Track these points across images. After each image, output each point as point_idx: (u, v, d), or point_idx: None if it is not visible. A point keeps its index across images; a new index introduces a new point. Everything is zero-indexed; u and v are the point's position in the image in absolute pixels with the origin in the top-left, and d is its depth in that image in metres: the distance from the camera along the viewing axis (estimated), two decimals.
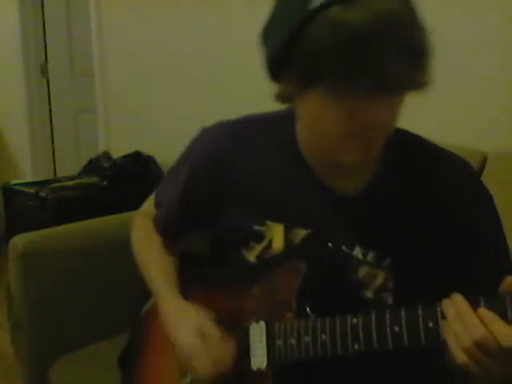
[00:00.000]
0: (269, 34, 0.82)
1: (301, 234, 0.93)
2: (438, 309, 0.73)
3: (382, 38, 0.69)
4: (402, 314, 0.76)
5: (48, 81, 3.76)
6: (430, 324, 0.73)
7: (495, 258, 0.92)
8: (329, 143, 0.81)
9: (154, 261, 1.09)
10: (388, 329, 0.76)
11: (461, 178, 0.91)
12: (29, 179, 3.37)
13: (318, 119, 0.79)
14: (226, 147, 0.98)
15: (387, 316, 0.77)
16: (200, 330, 0.93)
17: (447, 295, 0.89)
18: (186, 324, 0.95)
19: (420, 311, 0.74)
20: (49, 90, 3.78)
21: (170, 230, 1.11)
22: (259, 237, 0.95)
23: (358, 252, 0.91)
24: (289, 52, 0.75)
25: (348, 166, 0.83)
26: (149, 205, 1.17)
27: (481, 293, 0.87)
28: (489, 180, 1.37)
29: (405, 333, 0.75)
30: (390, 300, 0.91)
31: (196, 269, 1.10)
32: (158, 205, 1.13)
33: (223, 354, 0.91)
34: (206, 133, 1.03)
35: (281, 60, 0.77)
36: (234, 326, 0.94)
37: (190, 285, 1.07)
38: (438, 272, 0.90)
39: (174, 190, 1.06)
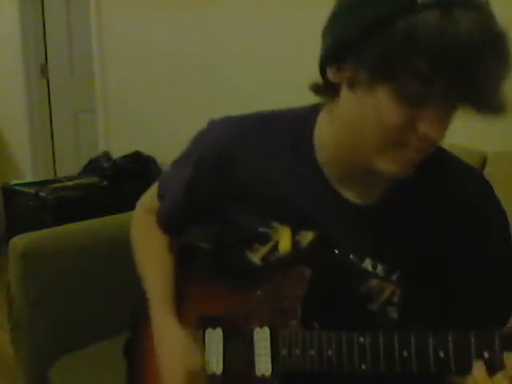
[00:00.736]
0: (351, 11, 0.74)
1: (309, 236, 0.90)
2: (450, 339, 0.71)
3: (485, 54, 0.67)
4: (412, 339, 0.74)
5: (48, 81, 3.76)
6: (441, 354, 0.71)
7: (504, 273, 0.90)
8: (373, 147, 0.77)
9: (152, 267, 1.07)
10: (396, 353, 0.74)
11: (474, 191, 0.89)
12: (29, 179, 3.38)
13: (372, 118, 0.74)
14: (233, 143, 0.94)
15: (395, 339, 0.75)
16: (189, 373, 0.93)
17: (452, 314, 0.89)
18: (176, 361, 0.95)
19: (430, 339, 0.72)
20: (49, 90, 3.78)
21: (172, 226, 1.09)
22: (264, 239, 0.93)
23: (367, 264, 0.88)
24: (371, 39, 0.69)
25: (384, 175, 0.80)
26: (150, 196, 1.13)
27: (487, 310, 0.87)
28: (489, 180, 1.38)
29: (413, 359, 0.73)
30: (395, 315, 0.90)
31: (199, 263, 1.09)
32: (161, 196, 1.10)
33: None
34: (213, 127, 0.99)
35: (356, 44, 0.71)
36: (237, 327, 0.94)
37: (193, 280, 1.06)
38: (446, 288, 0.89)
39: (177, 183, 1.03)
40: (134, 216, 1.16)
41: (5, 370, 2.19)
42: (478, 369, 0.69)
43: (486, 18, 0.69)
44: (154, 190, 1.13)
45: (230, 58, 2.50)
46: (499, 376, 0.68)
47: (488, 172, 1.45)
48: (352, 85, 0.75)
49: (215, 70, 2.58)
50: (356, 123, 0.78)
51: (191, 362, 0.94)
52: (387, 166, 0.77)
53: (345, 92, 0.78)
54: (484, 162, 1.51)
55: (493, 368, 0.69)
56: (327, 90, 0.80)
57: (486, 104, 0.71)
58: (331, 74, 0.78)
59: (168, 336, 0.99)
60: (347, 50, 0.73)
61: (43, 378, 1.47)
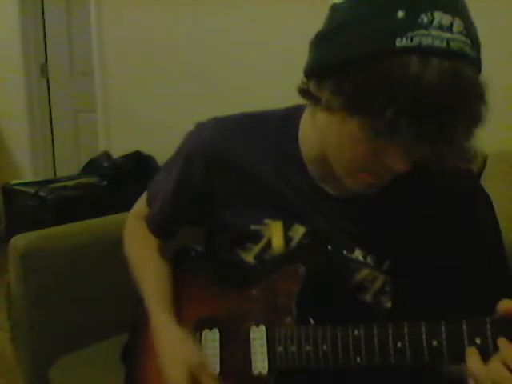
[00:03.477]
0: (333, 38, 0.74)
1: (301, 230, 0.92)
2: (443, 328, 0.72)
3: (457, 106, 0.66)
4: (405, 330, 0.74)
5: (48, 81, 3.77)
6: (434, 343, 0.72)
7: (492, 263, 0.91)
8: (341, 167, 0.81)
9: (147, 272, 1.07)
10: (390, 344, 0.75)
11: (459, 180, 0.90)
12: (29, 179, 3.38)
13: (341, 142, 0.77)
14: (221, 144, 0.96)
15: (389, 331, 0.76)
16: (190, 369, 0.92)
17: (445, 302, 0.89)
18: (177, 357, 0.94)
19: (423, 328, 0.73)
20: (49, 90, 3.78)
21: (162, 229, 1.10)
22: (256, 237, 0.94)
23: (358, 254, 0.90)
24: (349, 73, 0.70)
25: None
26: (140, 205, 1.15)
27: (475, 299, 0.86)
28: (489, 180, 1.37)
29: (408, 349, 0.74)
30: (389, 304, 0.91)
31: (194, 266, 1.10)
32: (150, 202, 1.11)
33: None
34: (201, 128, 1.01)
35: (336, 72, 0.72)
36: (233, 327, 0.94)
37: (188, 283, 1.06)
38: (436, 276, 0.89)
39: (166, 186, 1.04)
40: (126, 225, 1.17)
41: (5, 369, 2.19)
42: (472, 357, 0.70)
43: (464, 69, 0.67)
44: (143, 198, 1.14)
45: (230, 58, 2.50)
46: (494, 363, 0.68)
47: (488, 172, 1.45)
48: (328, 107, 0.75)
49: (215, 69, 2.58)
50: (329, 140, 0.81)
51: (190, 355, 0.94)
52: (352, 184, 0.82)
53: (323, 108, 0.78)
54: (484, 162, 1.51)
55: (486, 354, 0.69)
56: (310, 95, 0.80)
57: (450, 155, 0.71)
58: (312, 87, 0.78)
59: (165, 333, 0.99)
60: (327, 74, 0.74)
61: (43, 378, 1.47)
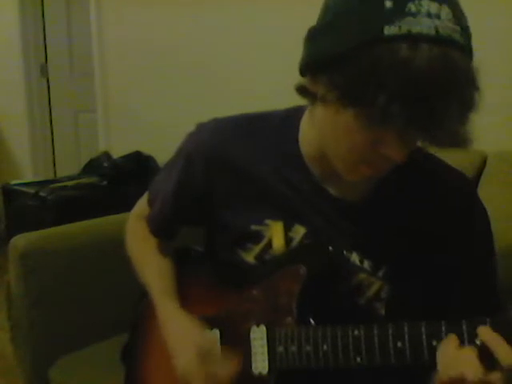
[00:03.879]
0: (325, 32, 0.75)
1: (301, 231, 0.92)
2: (443, 328, 0.72)
3: (447, 91, 0.66)
4: (405, 329, 0.75)
5: (48, 81, 3.76)
6: (434, 343, 0.72)
7: (486, 268, 0.92)
8: (339, 159, 0.81)
9: (150, 268, 1.07)
10: (391, 344, 0.75)
11: (458, 193, 0.91)
12: (29, 179, 3.38)
13: (339, 134, 0.77)
14: (221, 145, 0.96)
15: (390, 331, 0.76)
16: (201, 351, 0.92)
17: (443, 303, 0.90)
18: (187, 342, 0.94)
19: (423, 328, 0.74)
20: (49, 90, 3.78)
21: (163, 229, 1.10)
22: (257, 237, 0.95)
23: (355, 258, 0.90)
24: (341, 65, 0.70)
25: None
26: (141, 205, 1.15)
27: (472, 305, 0.87)
28: (489, 180, 1.38)
29: (408, 349, 0.74)
30: (382, 311, 0.91)
31: (194, 266, 1.10)
32: (151, 202, 1.11)
33: (224, 376, 0.90)
34: (201, 129, 1.01)
35: (329, 66, 0.72)
36: (233, 327, 0.94)
37: (189, 283, 1.06)
38: (435, 277, 0.90)
39: (167, 186, 1.05)
40: (127, 226, 1.17)
41: (5, 369, 2.19)
42: (451, 342, 0.71)
43: (454, 55, 0.68)
44: (144, 198, 1.14)
45: (230, 58, 2.51)
46: (467, 348, 0.70)
47: (488, 172, 1.45)
48: (324, 101, 0.76)
49: (215, 69, 2.58)
50: (326, 134, 0.81)
51: (199, 340, 0.94)
52: (350, 176, 0.82)
53: (319, 102, 0.79)
54: (484, 162, 1.51)
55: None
56: (308, 93, 0.80)
57: (444, 140, 0.71)
58: (307, 83, 0.79)
59: (173, 320, 0.99)
60: (320, 69, 0.74)
61: (43, 378, 1.47)
